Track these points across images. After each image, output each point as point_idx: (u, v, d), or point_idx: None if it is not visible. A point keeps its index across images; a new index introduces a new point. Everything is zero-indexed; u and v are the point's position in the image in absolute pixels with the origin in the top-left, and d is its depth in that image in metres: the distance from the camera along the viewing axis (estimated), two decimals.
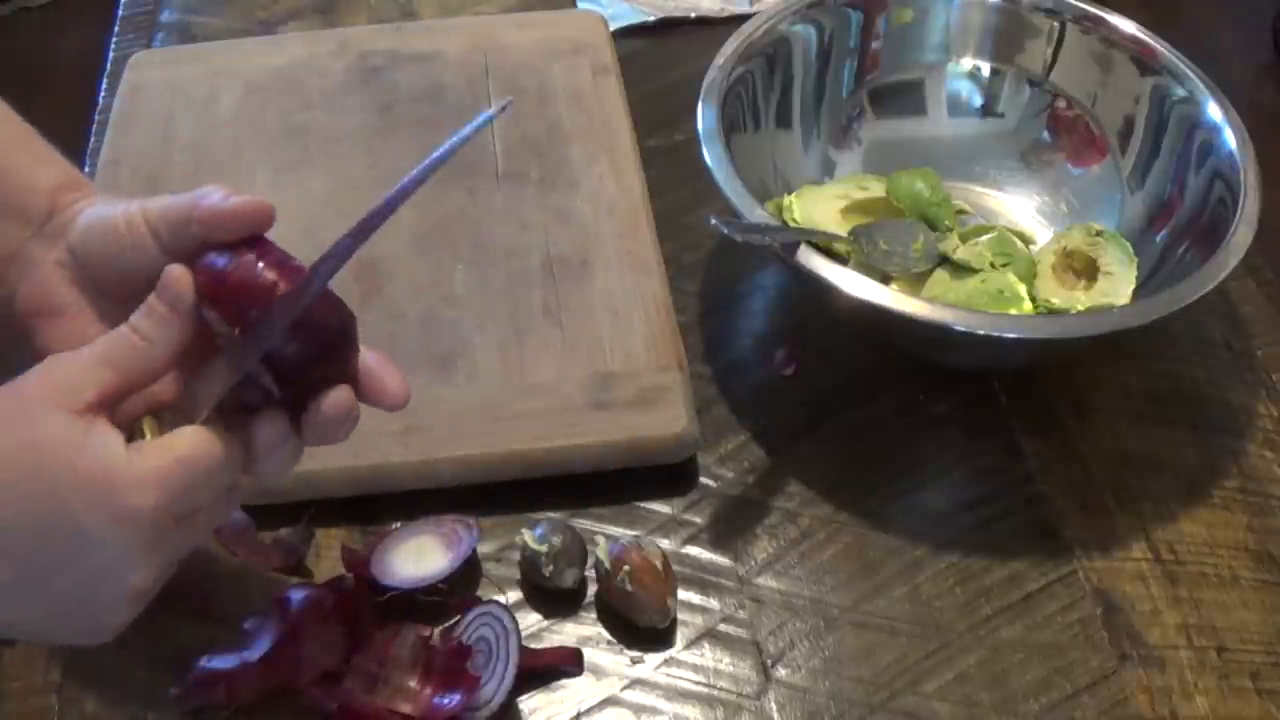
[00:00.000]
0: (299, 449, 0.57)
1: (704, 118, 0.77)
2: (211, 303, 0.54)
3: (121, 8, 1.06)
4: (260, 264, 0.54)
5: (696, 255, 0.86)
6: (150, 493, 0.50)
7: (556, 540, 0.67)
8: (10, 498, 0.49)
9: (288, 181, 0.86)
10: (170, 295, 0.54)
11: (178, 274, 0.54)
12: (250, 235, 0.55)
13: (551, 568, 0.67)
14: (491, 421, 0.72)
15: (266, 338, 0.53)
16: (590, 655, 0.67)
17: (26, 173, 0.61)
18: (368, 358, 0.57)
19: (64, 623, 0.54)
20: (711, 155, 0.75)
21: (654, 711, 0.65)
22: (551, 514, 0.71)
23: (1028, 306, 0.78)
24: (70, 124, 0.81)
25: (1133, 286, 0.78)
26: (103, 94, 0.96)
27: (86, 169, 0.87)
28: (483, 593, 0.69)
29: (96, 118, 0.94)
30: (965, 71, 0.89)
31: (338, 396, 0.55)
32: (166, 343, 0.53)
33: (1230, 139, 0.77)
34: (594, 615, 0.68)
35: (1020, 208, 0.87)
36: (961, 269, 0.80)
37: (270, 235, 0.56)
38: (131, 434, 0.53)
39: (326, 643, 0.64)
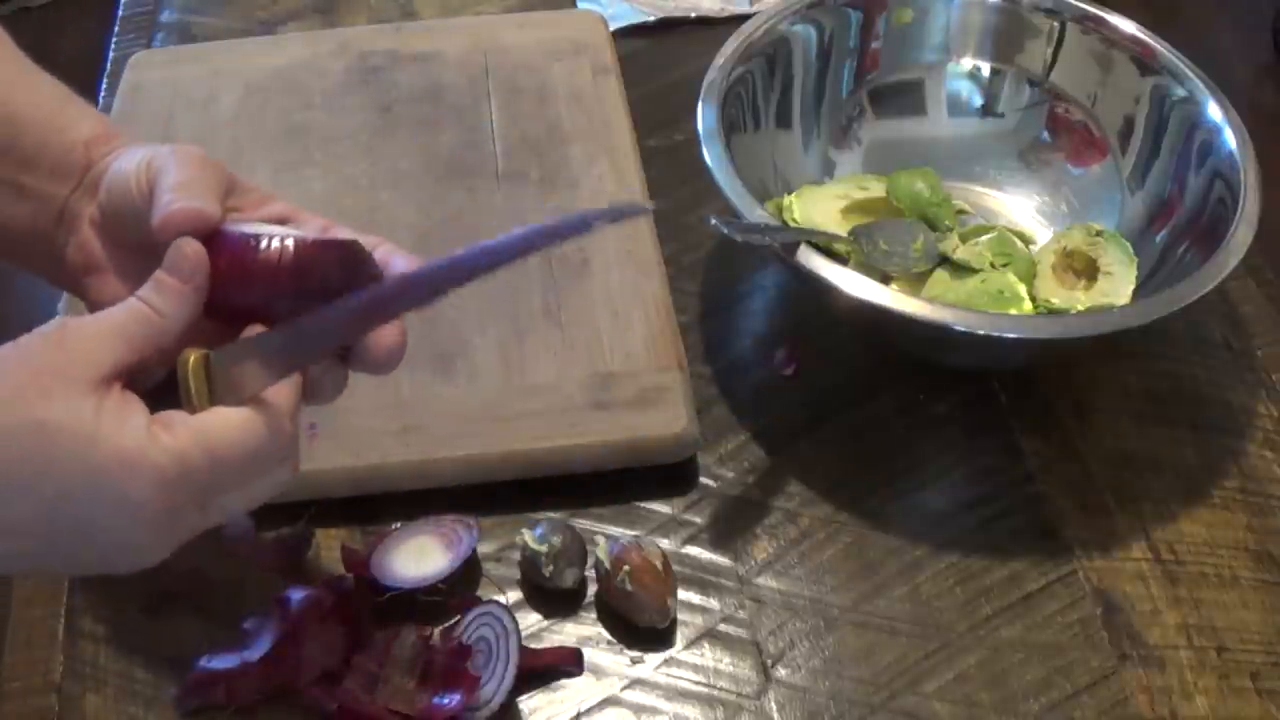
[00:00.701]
0: (344, 379, 0.57)
1: (704, 118, 0.77)
2: (230, 284, 0.53)
3: (121, 8, 1.06)
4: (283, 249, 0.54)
5: (696, 255, 0.86)
6: (162, 485, 0.49)
7: (556, 540, 0.67)
8: (21, 477, 0.48)
9: (288, 181, 0.85)
10: (181, 271, 0.53)
11: (187, 250, 0.53)
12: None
13: (551, 568, 0.67)
14: (491, 421, 0.72)
15: (330, 336, 0.53)
16: (590, 655, 0.67)
17: (64, 129, 0.60)
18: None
19: (77, 569, 0.56)
20: (711, 155, 0.75)
21: (654, 711, 0.65)
22: (551, 514, 0.71)
23: (1028, 306, 0.78)
24: None
25: (1133, 286, 0.78)
26: (103, 94, 0.96)
27: None
28: (483, 593, 0.69)
29: None
30: (965, 71, 0.89)
31: (389, 341, 0.55)
32: (179, 318, 0.52)
33: (1230, 139, 0.77)
34: (594, 615, 0.68)
35: (1020, 208, 0.87)
36: (961, 269, 0.80)
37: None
38: (169, 379, 0.50)
39: (326, 643, 0.64)
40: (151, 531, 0.50)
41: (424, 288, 0.54)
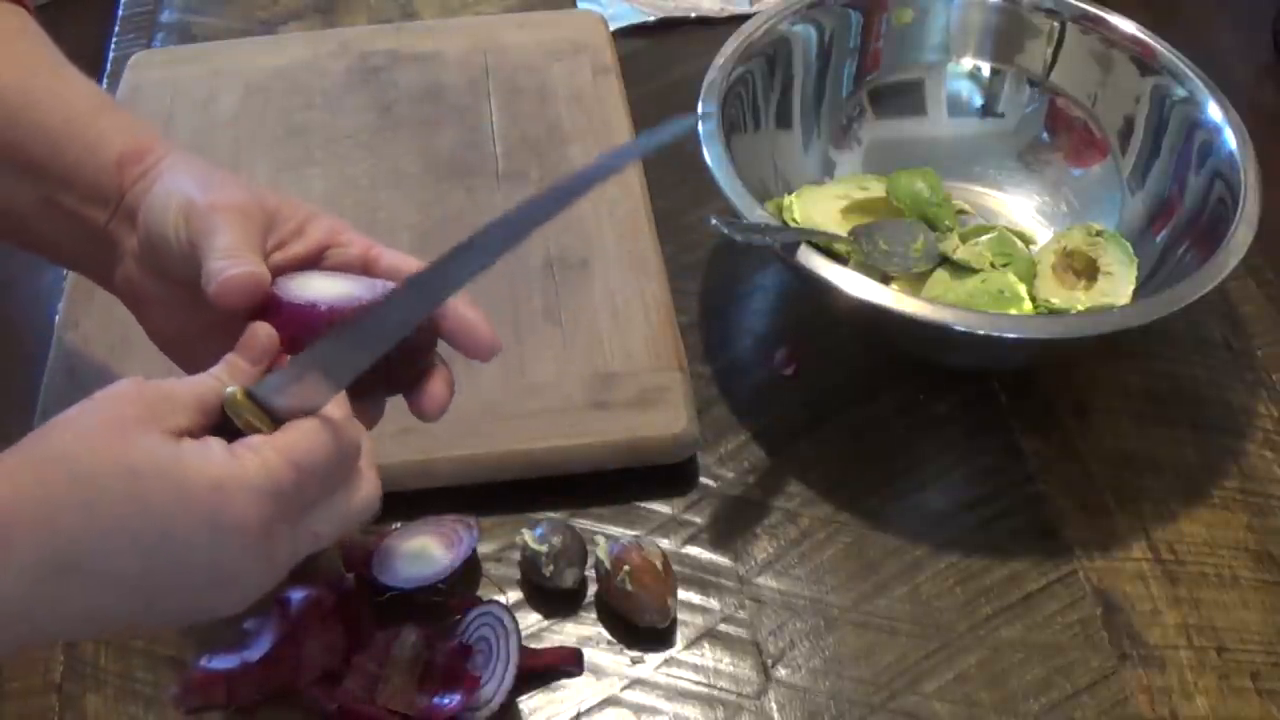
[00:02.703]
0: (382, 408, 0.60)
1: (704, 118, 0.77)
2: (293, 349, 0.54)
3: (121, 8, 1.06)
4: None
5: (696, 255, 0.86)
6: (256, 500, 0.48)
7: (556, 540, 0.67)
8: (114, 525, 0.47)
9: (288, 181, 0.86)
10: (252, 354, 0.53)
11: (261, 334, 0.53)
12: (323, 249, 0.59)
13: (551, 568, 0.67)
14: (491, 421, 0.72)
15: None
16: (590, 655, 0.67)
17: (96, 145, 0.60)
18: (465, 314, 0.59)
19: (172, 620, 0.54)
20: (711, 155, 0.75)
21: (654, 711, 0.65)
22: (551, 514, 0.71)
23: (1028, 306, 0.78)
24: None
25: (1133, 286, 0.78)
26: None
27: None
28: (483, 593, 0.69)
29: None
30: (965, 71, 0.89)
31: (437, 393, 0.59)
32: None
33: (1230, 139, 0.77)
34: (594, 615, 0.68)
35: (1020, 208, 0.87)
36: (961, 269, 0.80)
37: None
38: (224, 413, 0.50)
39: (326, 643, 0.64)
40: (251, 556, 0.49)
41: (447, 277, 0.53)
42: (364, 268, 0.60)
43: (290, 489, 0.49)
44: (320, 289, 0.57)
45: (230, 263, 0.55)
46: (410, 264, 0.60)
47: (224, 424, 0.50)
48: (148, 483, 0.47)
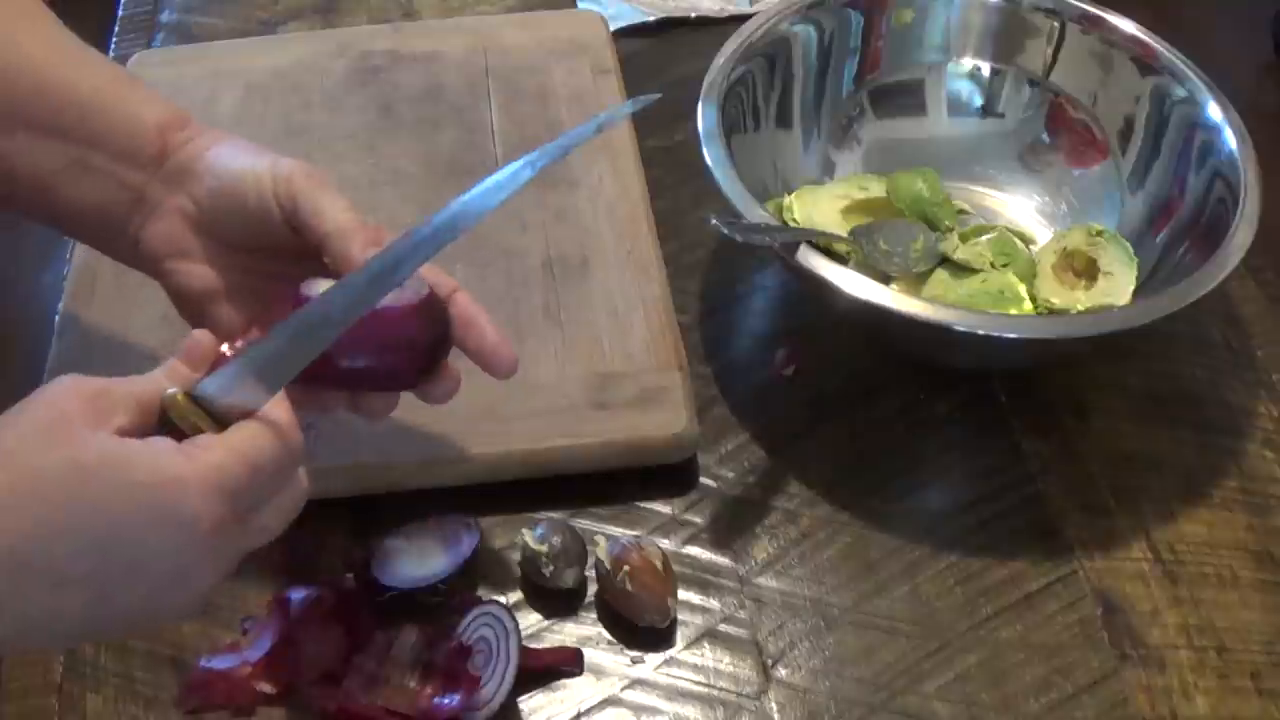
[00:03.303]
0: (395, 399, 0.62)
1: (704, 118, 0.77)
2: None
3: (121, 8, 1.06)
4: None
5: (696, 255, 0.86)
6: (210, 497, 0.48)
7: (556, 540, 0.67)
8: (65, 522, 0.47)
9: None
10: (193, 360, 0.53)
11: (203, 341, 0.54)
12: None
13: (551, 568, 0.67)
14: (491, 421, 0.72)
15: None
16: (590, 655, 0.67)
17: (129, 111, 0.62)
18: (487, 335, 0.62)
19: (120, 627, 0.53)
20: (711, 155, 0.75)
21: (654, 711, 0.65)
22: (551, 514, 0.71)
23: (1028, 306, 0.78)
24: None
25: (1133, 286, 0.78)
26: None
27: None
28: (483, 593, 0.69)
29: None
30: (965, 71, 0.89)
31: (446, 389, 0.62)
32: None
33: (1230, 139, 0.77)
34: (594, 615, 0.68)
35: (1020, 208, 0.87)
36: (961, 269, 0.80)
37: None
38: (164, 414, 0.50)
39: (326, 643, 0.64)
40: (203, 552, 0.49)
41: (395, 259, 0.54)
42: None
43: (243, 487, 0.49)
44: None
45: (366, 237, 0.59)
46: (436, 277, 0.63)
47: (162, 426, 0.50)
48: (96, 480, 0.47)
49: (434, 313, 0.60)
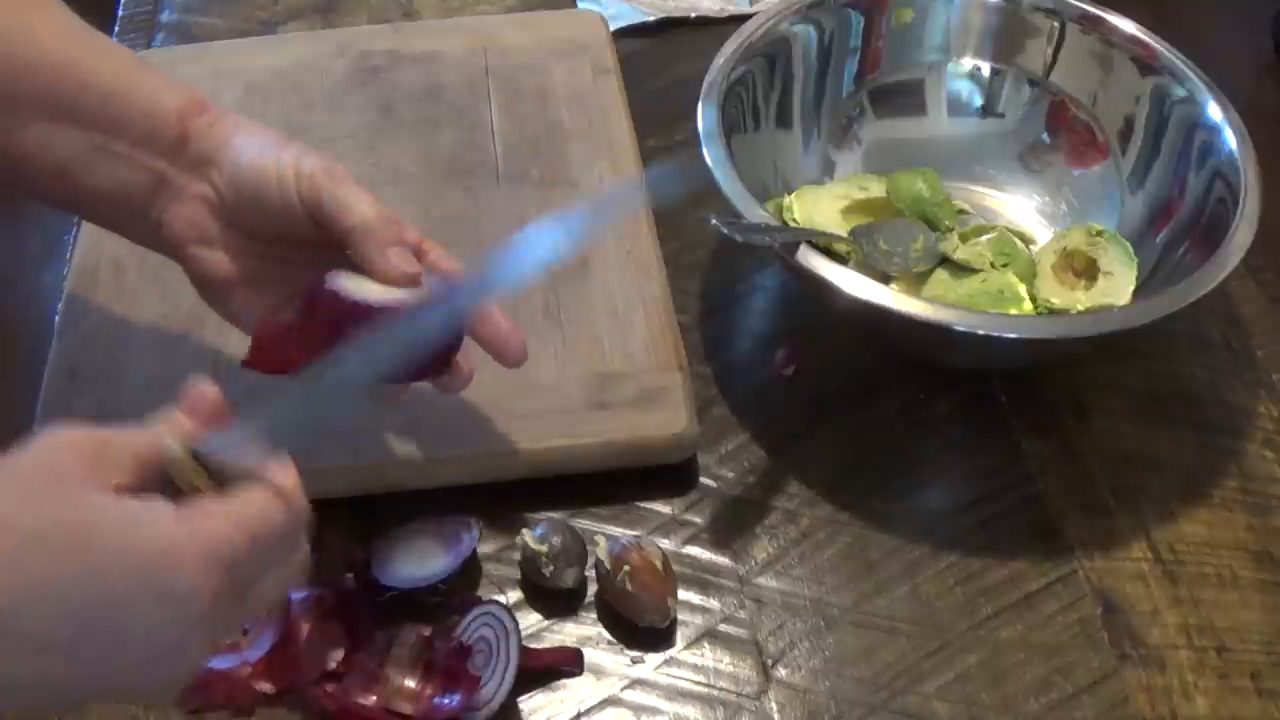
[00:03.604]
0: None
1: (704, 118, 0.77)
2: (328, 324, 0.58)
3: (121, 8, 1.06)
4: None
5: (696, 255, 0.86)
6: (209, 570, 0.46)
7: (556, 540, 0.67)
8: (53, 589, 0.44)
9: None
10: (198, 414, 0.51)
11: (208, 395, 0.51)
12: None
13: (551, 568, 0.67)
14: (491, 421, 0.72)
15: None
16: (590, 655, 0.67)
17: (148, 97, 0.62)
18: (499, 325, 0.63)
19: (103, 696, 0.50)
20: (711, 155, 0.75)
21: (654, 711, 0.65)
22: (551, 514, 0.71)
23: (1028, 306, 0.78)
24: None
25: (1133, 286, 0.78)
26: None
27: None
28: (483, 593, 0.69)
29: None
30: (965, 71, 0.89)
31: (462, 380, 0.64)
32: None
33: (1230, 139, 0.77)
34: (594, 615, 0.68)
35: (1020, 208, 0.87)
36: (961, 269, 0.80)
37: None
38: (161, 473, 0.48)
39: (326, 643, 0.64)
40: (195, 627, 0.46)
41: (386, 344, 0.55)
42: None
43: (244, 559, 0.47)
44: (372, 291, 0.60)
45: (390, 237, 0.61)
46: (451, 266, 0.64)
47: (162, 480, 0.48)
48: (90, 547, 0.44)
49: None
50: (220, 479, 0.49)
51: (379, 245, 0.60)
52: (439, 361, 0.62)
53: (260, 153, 0.61)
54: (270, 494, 0.49)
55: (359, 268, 0.61)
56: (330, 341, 0.55)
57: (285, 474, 0.50)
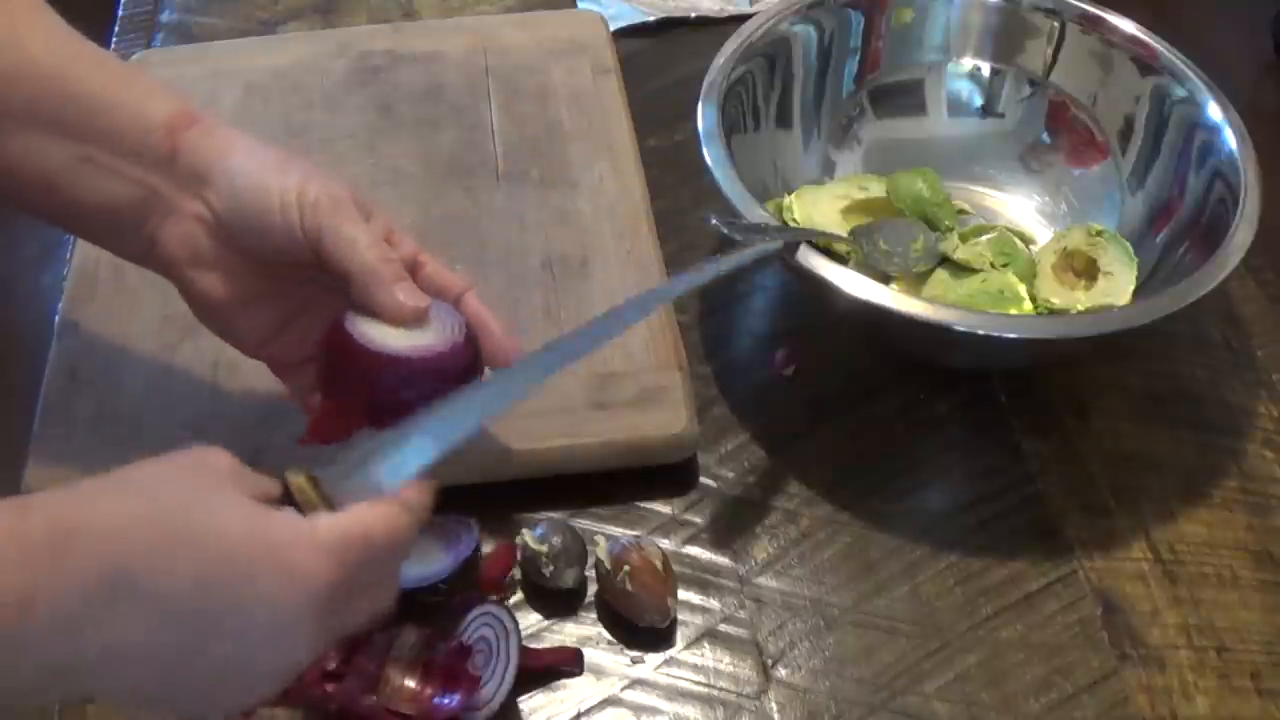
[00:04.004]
0: None
1: (704, 118, 0.77)
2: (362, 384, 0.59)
3: (121, 8, 1.06)
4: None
5: (696, 255, 0.86)
6: (330, 561, 0.49)
7: (556, 540, 0.67)
8: (182, 557, 0.47)
9: None
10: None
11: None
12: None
13: (551, 568, 0.67)
14: (491, 421, 0.72)
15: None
16: (590, 655, 0.67)
17: (136, 108, 0.61)
18: (492, 326, 0.63)
19: (205, 694, 0.50)
20: (711, 155, 0.75)
21: (654, 711, 0.65)
22: (551, 514, 0.71)
23: (1028, 306, 0.78)
24: None
25: (1133, 286, 0.78)
26: None
27: None
28: (482, 593, 0.69)
29: None
30: (965, 71, 0.89)
31: None
32: None
33: (1230, 139, 0.77)
34: (594, 615, 0.68)
35: (1020, 208, 0.87)
36: (961, 269, 0.80)
37: None
38: (285, 494, 0.52)
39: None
40: (309, 614, 0.49)
41: (518, 383, 0.58)
42: (410, 270, 0.63)
43: (357, 558, 0.50)
44: (393, 338, 0.60)
45: (393, 275, 0.60)
46: (448, 277, 0.64)
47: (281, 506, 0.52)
48: (223, 522, 0.48)
49: (474, 342, 0.63)
50: (335, 504, 0.52)
51: (384, 287, 0.60)
52: (468, 383, 0.62)
53: (261, 175, 0.60)
54: (394, 509, 0.52)
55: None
56: (365, 391, 0.59)
57: (415, 491, 0.54)
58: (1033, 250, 0.83)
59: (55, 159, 0.60)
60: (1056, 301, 0.78)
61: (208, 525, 0.48)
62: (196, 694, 0.50)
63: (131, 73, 0.64)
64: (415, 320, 0.60)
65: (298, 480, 0.52)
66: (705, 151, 0.75)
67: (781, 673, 0.66)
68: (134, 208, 0.61)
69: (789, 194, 0.82)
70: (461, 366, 0.61)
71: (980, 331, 0.68)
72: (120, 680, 0.48)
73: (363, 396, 0.60)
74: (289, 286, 0.63)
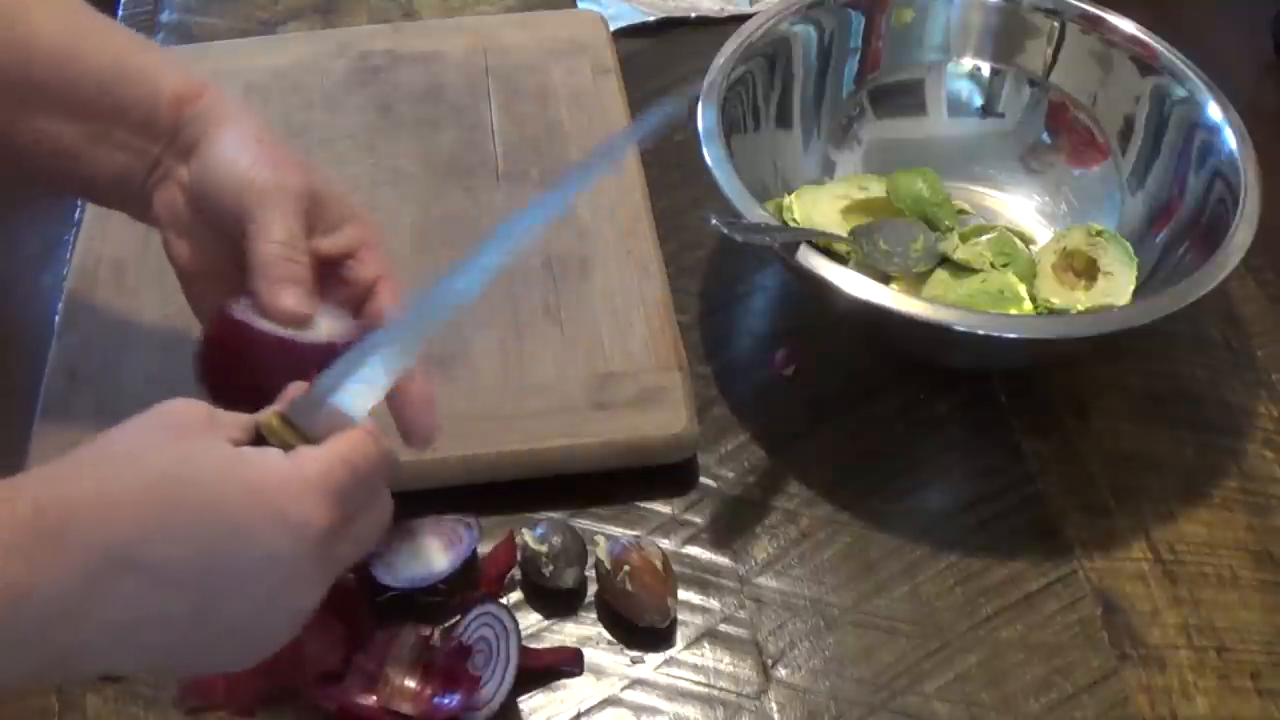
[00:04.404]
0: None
1: (704, 118, 0.77)
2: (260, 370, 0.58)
3: (121, 8, 1.06)
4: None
5: (696, 255, 0.86)
6: (321, 497, 0.49)
7: (556, 540, 0.67)
8: (175, 520, 0.47)
9: None
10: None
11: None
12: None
13: (551, 568, 0.67)
14: (491, 421, 0.72)
15: None
16: (590, 655, 0.66)
17: (149, 84, 0.62)
18: (412, 394, 0.61)
19: (218, 652, 0.51)
20: (711, 155, 0.75)
21: (654, 711, 0.65)
22: (551, 514, 0.71)
23: (1028, 306, 0.78)
24: None
25: (1133, 286, 0.78)
26: None
27: None
28: (482, 593, 0.69)
29: None
30: (965, 71, 0.89)
31: (424, 432, 0.63)
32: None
33: (1230, 139, 0.77)
34: (594, 615, 0.68)
35: (1020, 208, 0.87)
36: (961, 269, 0.80)
37: None
38: (259, 438, 0.52)
39: (326, 643, 0.64)
40: (311, 560, 0.49)
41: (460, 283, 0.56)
42: (361, 295, 0.62)
43: (344, 488, 0.50)
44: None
45: (285, 275, 0.58)
46: (389, 314, 0.63)
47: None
48: (209, 477, 0.48)
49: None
50: (311, 437, 0.52)
51: (271, 282, 0.58)
52: None
53: (231, 152, 0.61)
54: (364, 433, 0.52)
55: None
56: (244, 370, 0.58)
57: (370, 418, 0.53)
58: (1033, 250, 0.83)
59: (69, 135, 0.62)
60: (1056, 301, 0.78)
61: (197, 484, 0.47)
62: (210, 654, 0.50)
63: (141, 43, 0.65)
64: (292, 323, 0.59)
65: (270, 421, 0.52)
66: (705, 151, 0.75)
67: (781, 673, 0.66)
68: (142, 174, 0.63)
69: (789, 194, 0.82)
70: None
71: (980, 331, 0.68)
72: (130, 653, 0.48)
73: (247, 382, 0.58)
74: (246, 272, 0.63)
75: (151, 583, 0.46)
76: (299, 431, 0.52)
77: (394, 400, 0.61)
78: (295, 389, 0.53)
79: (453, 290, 0.56)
